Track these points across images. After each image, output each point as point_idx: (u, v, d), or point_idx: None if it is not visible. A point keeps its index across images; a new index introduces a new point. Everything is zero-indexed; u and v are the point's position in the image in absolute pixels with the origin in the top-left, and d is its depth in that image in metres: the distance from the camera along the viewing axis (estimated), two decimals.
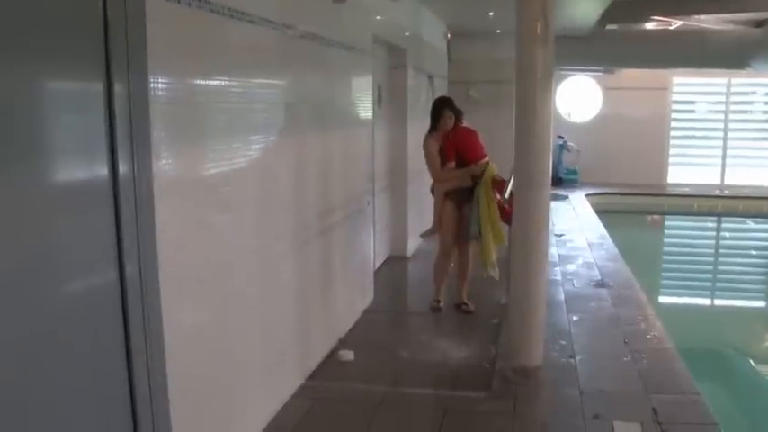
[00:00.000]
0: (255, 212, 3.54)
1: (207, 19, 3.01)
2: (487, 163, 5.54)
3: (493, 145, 11.79)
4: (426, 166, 5.79)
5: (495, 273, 5.58)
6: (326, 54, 4.62)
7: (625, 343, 4.92)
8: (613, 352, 4.78)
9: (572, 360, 4.63)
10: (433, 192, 5.85)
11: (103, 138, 2.32)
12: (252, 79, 3.49)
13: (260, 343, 3.62)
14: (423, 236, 6.04)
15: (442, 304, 5.87)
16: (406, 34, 7.52)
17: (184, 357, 2.80)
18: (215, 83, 3.10)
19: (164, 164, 2.63)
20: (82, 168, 2.28)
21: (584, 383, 4.24)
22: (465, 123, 5.87)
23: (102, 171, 2.33)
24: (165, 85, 2.64)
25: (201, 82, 2.98)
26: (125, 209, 2.41)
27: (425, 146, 5.68)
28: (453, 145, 5.57)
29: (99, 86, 2.30)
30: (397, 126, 7.52)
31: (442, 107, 5.68)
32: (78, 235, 2.25)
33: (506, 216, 5.19)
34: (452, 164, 5.56)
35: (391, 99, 7.40)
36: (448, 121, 5.59)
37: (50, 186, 2.15)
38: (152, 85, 2.55)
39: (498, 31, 10.46)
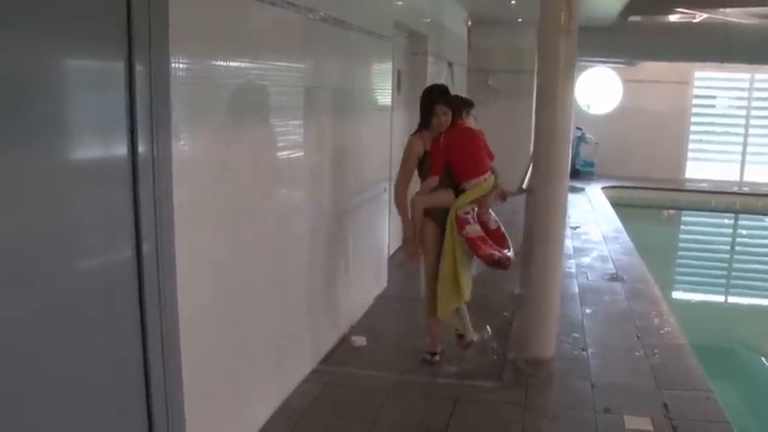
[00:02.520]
0: (272, 195, 3.55)
1: (229, 0, 3.00)
2: (488, 180, 4.22)
3: (511, 135, 11.85)
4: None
5: (456, 322, 4.40)
6: (348, 39, 4.60)
7: (638, 338, 4.90)
8: (626, 346, 4.76)
9: (584, 353, 4.62)
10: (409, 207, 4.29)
11: (124, 117, 2.33)
12: (272, 62, 3.48)
13: (273, 326, 3.63)
14: (405, 265, 4.66)
15: (438, 357, 4.40)
16: (427, 20, 7.48)
17: (198, 337, 2.82)
18: (235, 65, 3.09)
19: (182, 144, 2.63)
20: (102, 147, 2.29)
21: (596, 377, 4.23)
22: (472, 122, 4.54)
23: (122, 150, 2.34)
24: (185, 66, 2.64)
25: (222, 64, 2.98)
26: (143, 188, 2.42)
27: (407, 145, 4.26)
28: (443, 152, 4.08)
29: (121, 67, 2.31)
30: (416, 113, 7.45)
31: (434, 100, 4.17)
32: (97, 212, 2.27)
33: (498, 237, 4.21)
34: (436, 178, 4.10)
35: (411, 85, 7.35)
36: (443, 118, 4.11)
37: (71, 164, 2.16)
38: (173, 66, 2.55)
39: (519, 19, 10.39)
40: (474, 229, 4.01)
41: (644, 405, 3.84)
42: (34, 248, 1.99)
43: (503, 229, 4.27)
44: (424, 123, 4.20)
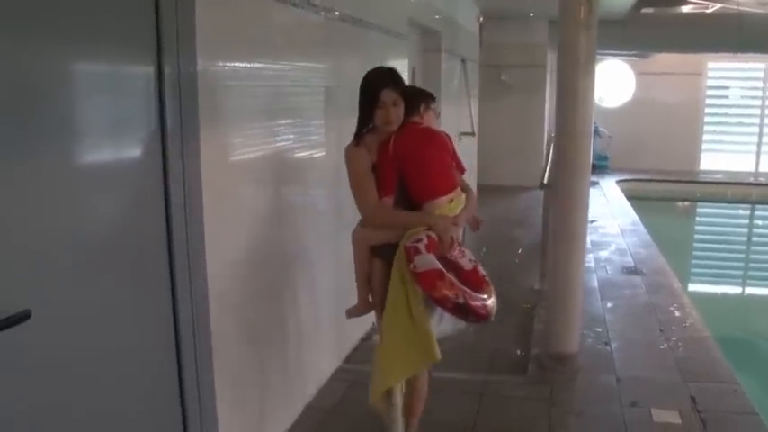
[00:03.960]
0: (294, 195, 3.56)
1: (252, 1, 3.02)
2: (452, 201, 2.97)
3: (524, 129, 11.83)
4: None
5: (384, 411, 3.15)
6: (365, 37, 4.60)
7: (660, 331, 4.89)
8: (649, 339, 4.75)
9: (607, 347, 4.62)
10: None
11: (154, 119, 2.35)
12: (294, 62, 3.49)
13: (298, 325, 3.65)
14: (351, 314, 3.30)
15: None
16: (440, 17, 7.47)
17: (227, 335, 2.84)
18: (257, 65, 3.10)
19: (208, 145, 2.64)
20: (134, 149, 2.31)
21: (621, 371, 4.23)
22: (433, 119, 3.12)
23: (155, 151, 2.36)
24: (210, 68, 2.65)
25: (245, 65, 2.99)
26: (174, 189, 2.44)
27: (347, 159, 2.97)
28: (393, 162, 2.89)
29: (151, 69, 2.32)
30: None
31: (376, 86, 2.87)
32: (129, 213, 2.29)
33: (475, 283, 2.90)
34: (390, 199, 2.91)
35: (425, 83, 7.35)
36: (392, 111, 2.86)
37: (103, 165, 2.18)
38: (199, 67, 2.56)
39: (531, 14, 10.38)
40: (426, 261, 2.70)
41: (671, 398, 3.83)
42: (72, 242, 2.02)
43: (482, 270, 3.00)
44: (366, 123, 2.94)
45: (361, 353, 4.51)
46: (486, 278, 2.99)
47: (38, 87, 1.87)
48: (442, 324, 2.94)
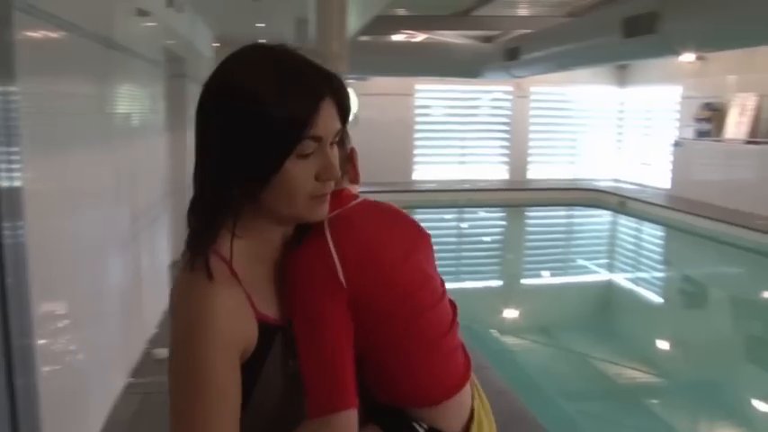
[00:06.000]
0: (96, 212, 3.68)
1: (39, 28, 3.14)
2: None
3: None
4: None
5: None
6: (129, 65, 4.74)
7: None
8: None
9: None
10: None
11: None
12: (78, 89, 3.60)
13: (96, 341, 3.77)
14: None
15: None
16: (184, 43, 7.68)
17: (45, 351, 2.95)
18: (41, 91, 3.15)
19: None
20: None
21: None
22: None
23: None
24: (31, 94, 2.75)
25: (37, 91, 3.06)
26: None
27: (179, 314, 1.12)
28: (351, 304, 1.18)
29: None
30: (177, 136, 7.32)
31: (307, 95, 1.12)
32: None
33: None
34: (352, 413, 1.15)
35: (171, 108, 7.34)
36: (334, 160, 1.20)
37: None
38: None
39: (263, 41, 10.96)
40: None
41: None
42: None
43: None
44: (227, 205, 1.17)
45: (145, 367, 4.67)
46: None
47: None
48: None
